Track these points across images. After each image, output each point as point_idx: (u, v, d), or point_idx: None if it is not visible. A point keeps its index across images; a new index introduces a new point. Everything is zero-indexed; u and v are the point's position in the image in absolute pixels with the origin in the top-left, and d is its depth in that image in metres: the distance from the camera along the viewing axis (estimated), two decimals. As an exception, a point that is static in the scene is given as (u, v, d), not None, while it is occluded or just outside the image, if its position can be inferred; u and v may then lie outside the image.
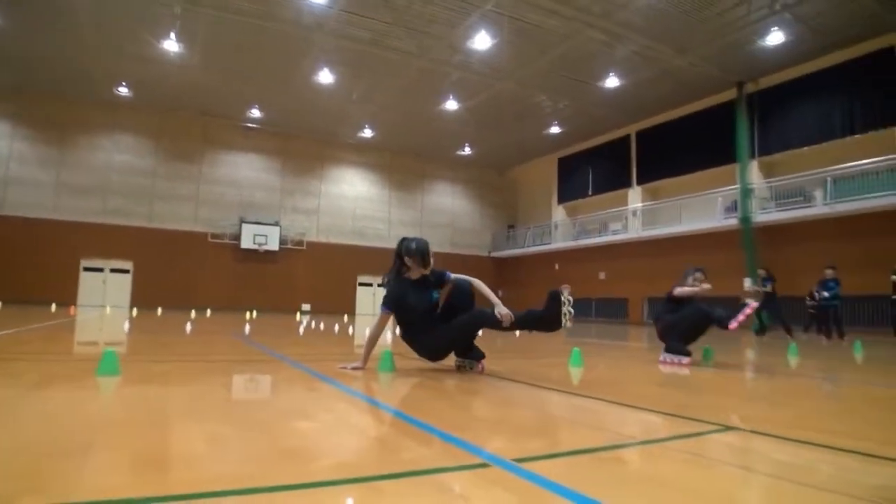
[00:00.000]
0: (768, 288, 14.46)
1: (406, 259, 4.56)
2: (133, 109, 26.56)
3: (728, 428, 2.47)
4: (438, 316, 4.55)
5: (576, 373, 4.69)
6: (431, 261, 4.58)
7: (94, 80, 23.59)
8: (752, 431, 2.41)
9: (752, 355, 8.14)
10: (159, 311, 20.03)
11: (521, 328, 4.40)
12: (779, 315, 14.02)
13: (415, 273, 4.57)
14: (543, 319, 4.24)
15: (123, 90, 24.51)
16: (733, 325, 5.88)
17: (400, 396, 3.23)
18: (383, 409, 2.78)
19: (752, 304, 6.15)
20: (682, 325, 6.12)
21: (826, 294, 13.40)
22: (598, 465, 1.82)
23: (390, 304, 4.50)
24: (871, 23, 17.23)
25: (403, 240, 4.71)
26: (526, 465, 1.71)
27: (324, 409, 2.68)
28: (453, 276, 4.65)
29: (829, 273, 13.54)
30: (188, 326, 10.04)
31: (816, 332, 13.97)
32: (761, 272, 15.19)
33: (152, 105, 26.45)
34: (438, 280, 4.60)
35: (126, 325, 10.15)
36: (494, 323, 4.22)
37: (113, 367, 3.43)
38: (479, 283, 4.67)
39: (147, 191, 26.94)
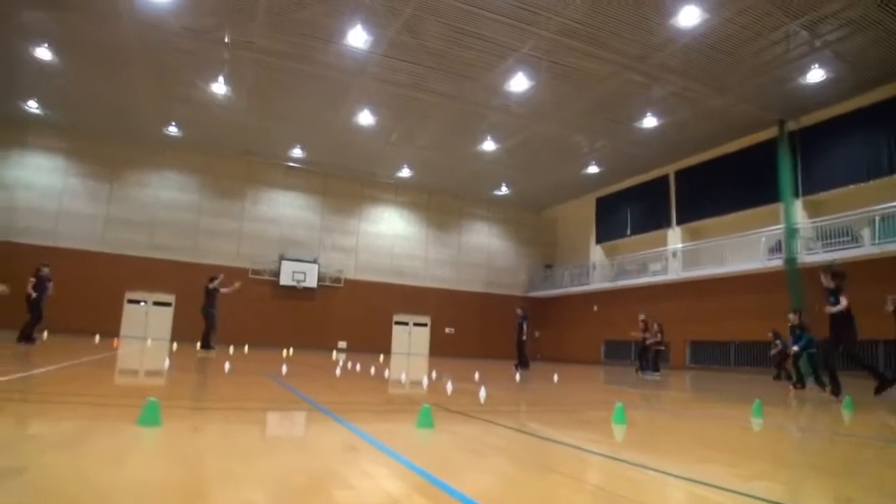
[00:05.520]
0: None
1: None
2: (180, 148, 27.50)
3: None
4: None
5: (621, 432, 4.53)
6: None
7: (144, 120, 24.57)
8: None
9: (802, 410, 7.81)
10: (198, 345, 20.25)
11: None
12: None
13: None
14: None
15: (172, 130, 25.43)
16: None
17: (438, 461, 3.14)
18: (416, 471, 2.69)
19: None
20: None
21: (796, 348, 12.22)
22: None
23: None
24: (914, 58, 16.83)
25: None
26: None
27: (361, 474, 2.62)
28: None
29: (791, 318, 12.35)
30: (227, 365, 10.12)
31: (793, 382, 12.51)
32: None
33: (199, 144, 27.34)
34: None
35: (167, 363, 10.28)
36: None
37: (154, 417, 3.43)
38: None
39: (191, 226, 27.67)
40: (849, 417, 6.47)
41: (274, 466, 2.67)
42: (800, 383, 11.67)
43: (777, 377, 16.30)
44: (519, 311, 18.04)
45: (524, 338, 17.40)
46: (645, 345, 17.80)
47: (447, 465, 2.93)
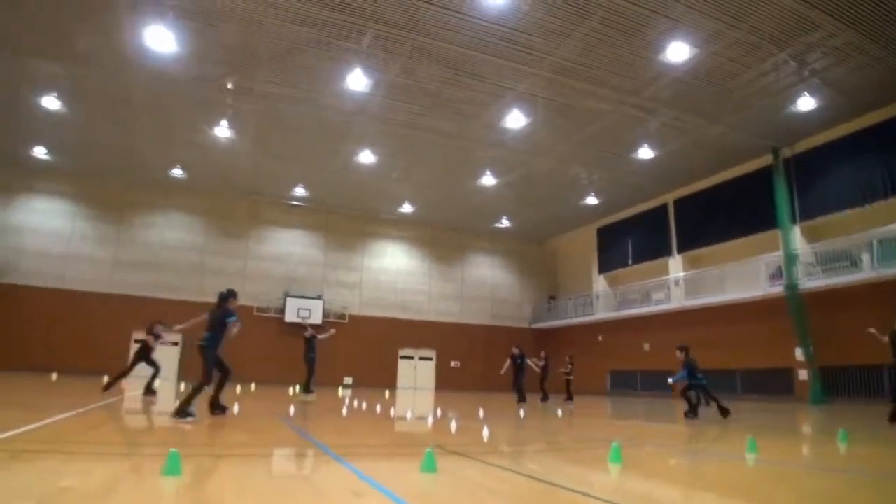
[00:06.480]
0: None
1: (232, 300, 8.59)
2: (185, 190, 28.01)
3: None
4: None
5: (616, 472, 4.70)
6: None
7: (150, 164, 25.14)
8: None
9: (801, 445, 7.95)
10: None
11: None
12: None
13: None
14: None
15: (177, 172, 25.94)
16: None
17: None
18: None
19: None
20: None
21: (669, 381, 12.67)
22: None
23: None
24: (902, 82, 17.19)
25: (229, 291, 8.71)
26: None
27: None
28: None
29: (678, 356, 12.07)
30: (236, 407, 10.29)
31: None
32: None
33: (203, 186, 27.86)
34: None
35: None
36: None
37: (176, 467, 3.65)
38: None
39: (197, 266, 28.01)
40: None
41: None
42: (692, 413, 11.38)
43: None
44: (515, 350, 17.77)
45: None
46: (544, 375, 19.24)
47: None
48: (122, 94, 18.99)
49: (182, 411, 7.57)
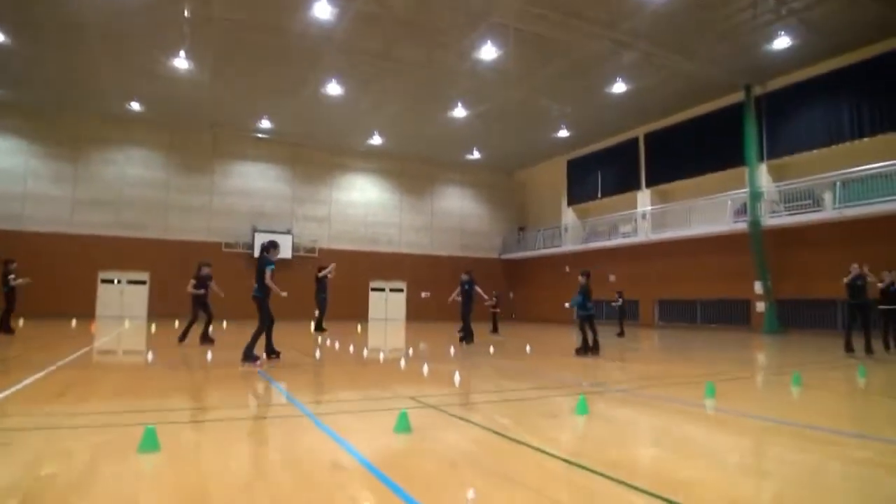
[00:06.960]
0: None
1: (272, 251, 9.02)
2: (145, 124, 27.04)
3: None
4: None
5: (583, 426, 4.92)
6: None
7: (106, 97, 24.08)
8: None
9: (754, 390, 8.34)
10: (176, 323, 20.39)
11: None
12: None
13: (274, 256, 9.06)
14: None
15: (135, 106, 24.97)
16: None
17: (416, 477, 3.46)
18: (396, 492, 3.01)
19: None
20: None
21: (566, 304, 14.03)
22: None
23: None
24: (879, 25, 17.27)
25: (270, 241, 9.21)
26: None
27: (349, 499, 2.93)
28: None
29: (580, 279, 11.89)
30: (209, 355, 10.38)
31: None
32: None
33: (163, 119, 26.92)
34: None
35: (150, 356, 10.53)
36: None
37: (153, 443, 3.71)
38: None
39: (161, 203, 27.42)
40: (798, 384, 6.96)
41: (270, 498, 2.97)
42: (582, 348, 11.47)
43: (620, 334, 18.30)
44: (464, 275, 15.46)
45: (470, 306, 15.18)
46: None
47: (423, 482, 3.26)
48: (72, 24, 17.98)
49: (248, 356, 8.67)
